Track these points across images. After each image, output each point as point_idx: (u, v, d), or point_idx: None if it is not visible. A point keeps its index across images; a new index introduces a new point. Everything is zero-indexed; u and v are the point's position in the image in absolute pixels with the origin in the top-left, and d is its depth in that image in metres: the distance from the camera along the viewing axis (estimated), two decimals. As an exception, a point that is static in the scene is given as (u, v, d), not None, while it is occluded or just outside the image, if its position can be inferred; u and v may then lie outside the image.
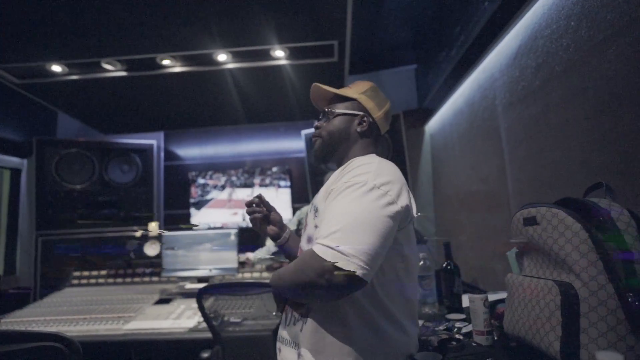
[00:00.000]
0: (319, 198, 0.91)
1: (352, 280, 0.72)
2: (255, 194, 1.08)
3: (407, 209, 0.83)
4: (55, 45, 1.99)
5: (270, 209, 1.09)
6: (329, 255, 0.71)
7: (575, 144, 1.16)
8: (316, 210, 0.90)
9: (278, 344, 0.94)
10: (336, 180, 0.87)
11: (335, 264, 0.70)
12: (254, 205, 1.05)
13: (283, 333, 0.93)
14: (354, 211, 0.75)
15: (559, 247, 0.78)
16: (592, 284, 0.71)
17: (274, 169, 3.69)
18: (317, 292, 0.77)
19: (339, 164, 1.01)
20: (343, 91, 1.03)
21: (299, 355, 0.84)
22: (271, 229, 1.07)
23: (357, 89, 1.03)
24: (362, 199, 0.77)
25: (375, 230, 0.75)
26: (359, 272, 0.71)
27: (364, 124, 1.00)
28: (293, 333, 0.89)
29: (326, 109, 1.03)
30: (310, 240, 0.91)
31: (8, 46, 1.97)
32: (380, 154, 1.02)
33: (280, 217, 1.11)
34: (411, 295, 0.89)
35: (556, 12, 1.23)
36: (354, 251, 0.71)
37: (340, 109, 1.01)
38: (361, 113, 1.00)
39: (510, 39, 1.60)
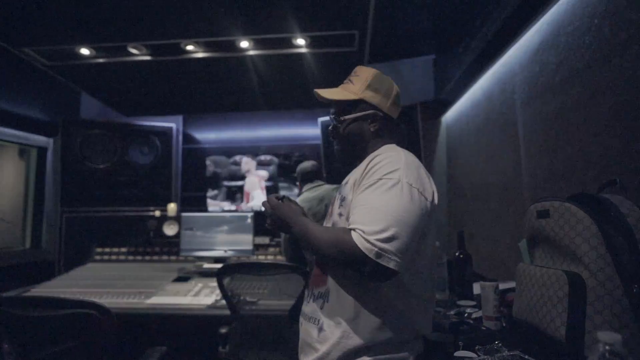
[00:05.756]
0: (346, 189, 0.96)
1: (386, 273, 0.79)
2: (276, 195, 1.03)
3: (434, 202, 0.90)
4: (85, 29, 2.06)
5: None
6: (371, 253, 0.77)
7: (592, 141, 1.19)
8: (343, 200, 0.95)
9: (300, 319, 1.01)
10: (365, 172, 0.91)
11: (376, 260, 0.77)
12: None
13: (305, 309, 1.00)
14: (393, 209, 0.80)
15: (570, 239, 0.82)
16: (600, 274, 0.76)
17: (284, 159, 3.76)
18: (346, 270, 0.85)
19: (360, 160, 1.04)
20: (346, 94, 1.02)
21: (320, 329, 0.91)
22: None
23: (360, 85, 1.01)
24: (400, 197, 0.82)
25: (413, 228, 0.81)
26: (395, 268, 0.78)
27: (376, 122, 1.01)
28: (313, 309, 0.96)
29: (337, 118, 1.04)
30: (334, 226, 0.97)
31: (40, 29, 2.05)
32: (398, 143, 1.06)
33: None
34: (429, 278, 0.94)
35: (580, 10, 1.24)
36: (394, 249, 0.78)
37: (349, 114, 1.02)
38: (370, 112, 1.00)
39: (532, 34, 1.61)
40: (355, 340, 0.86)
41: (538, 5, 1.44)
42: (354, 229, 0.81)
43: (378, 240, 0.77)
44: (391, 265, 0.77)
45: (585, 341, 0.76)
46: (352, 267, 0.83)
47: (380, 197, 0.82)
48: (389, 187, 0.83)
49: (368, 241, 0.77)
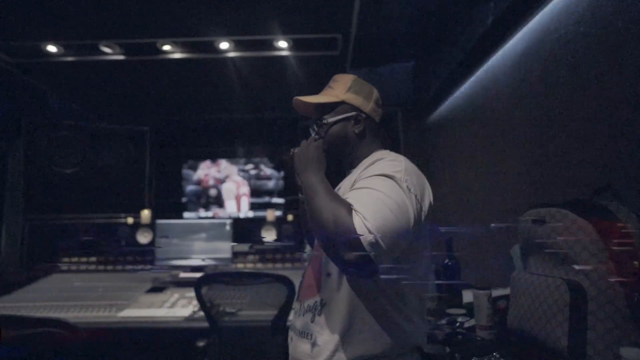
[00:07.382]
0: (342, 190, 0.93)
1: (366, 268, 0.75)
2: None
3: (426, 211, 0.87)
4: (53, 24, 1.93)
5: None
6: (365, 241, 0.72)
7: (579, 146, 1.20)
8: None
9: (290, 333, 0.96)
10: (365, 170, 0.88)
11: (365, 249, 0.71)
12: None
13: (296, 323, 0.95)
14: (392, 206, 0.76)
15: (568, 246, 0.81)
16: (601, 283, 0.74)
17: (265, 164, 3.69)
18: (329, 246, 0.79)
19: (351, 166, 1.03)
20: (327, 97, 1.01)
21: (314, 344, 0.86)
22: None
23: (340, 89, 1.02)
24: (401, 197, 0.79)
25: (405, 233, 0.77)
26: (379, 263, 0.73)
27: (360, 123, 1.00)
28: (304, 323, 0.91)
29: (319, 122, 1.02)
30: None
31: (2, 23, 1.90)
32: (384, 147, 1.05)
33: None
34: (422, 288, 0.91)
35: (565, 17, 1.25)
36: (386, 247, 0.73)
37: (332, 117, 1.00)
38: (353, 113, 1.00)
39: (516, 42, 1.62)
40: (349, 353, 0.83)
41: (521, 14, 1.46)
42: (355, 210, 0.75)
43: (375, 230, 0.72)
44: (377, 260, 0.73)
45: (587, 351, 0.74)
46: (337, 247, 0.75)
47: (382, 188, 0.79)
48: (392, 184, 0.80)
49: (367, 228, 0.72)
